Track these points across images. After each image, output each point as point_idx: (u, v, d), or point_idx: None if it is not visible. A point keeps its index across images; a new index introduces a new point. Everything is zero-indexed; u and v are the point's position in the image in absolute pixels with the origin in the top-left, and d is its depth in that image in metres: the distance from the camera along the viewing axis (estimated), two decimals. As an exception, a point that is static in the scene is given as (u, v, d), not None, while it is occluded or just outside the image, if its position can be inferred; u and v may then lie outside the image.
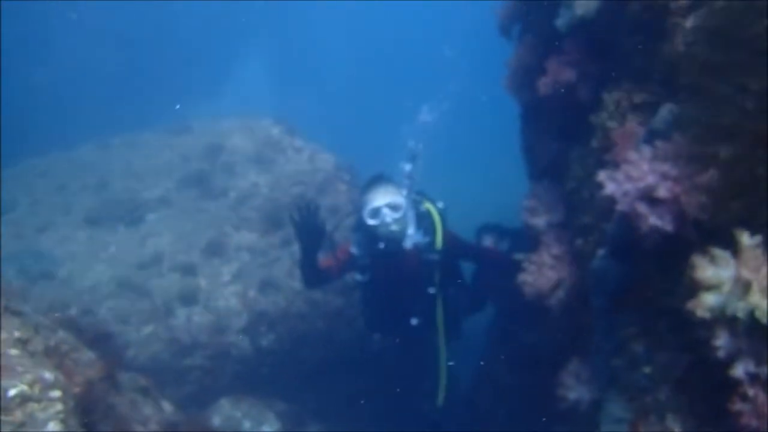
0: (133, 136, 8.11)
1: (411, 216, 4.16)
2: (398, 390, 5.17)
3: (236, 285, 5.87)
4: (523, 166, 3.96)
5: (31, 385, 2.00)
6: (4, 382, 1.97)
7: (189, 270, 5.88)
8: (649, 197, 1.84)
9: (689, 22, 2.02)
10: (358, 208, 4.40)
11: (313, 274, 4.43)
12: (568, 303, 2.80)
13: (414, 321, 4.30)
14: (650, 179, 1.83)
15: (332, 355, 5.84)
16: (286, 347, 5.68)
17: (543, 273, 2.82)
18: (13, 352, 2.32)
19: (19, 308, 3.01)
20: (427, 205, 4.39)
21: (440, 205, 4.52)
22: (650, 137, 2.03)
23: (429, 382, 4.58)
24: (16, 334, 2.56)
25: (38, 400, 1.95)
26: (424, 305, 4.31)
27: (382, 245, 4.05)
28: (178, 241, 6.18)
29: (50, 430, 1.93)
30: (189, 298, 5.64)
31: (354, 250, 4.33)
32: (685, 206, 1.73)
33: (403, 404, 5.38)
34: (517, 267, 4.33)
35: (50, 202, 6.70)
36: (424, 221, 4.23)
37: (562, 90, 2.76)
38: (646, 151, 1.89)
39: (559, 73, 2.72)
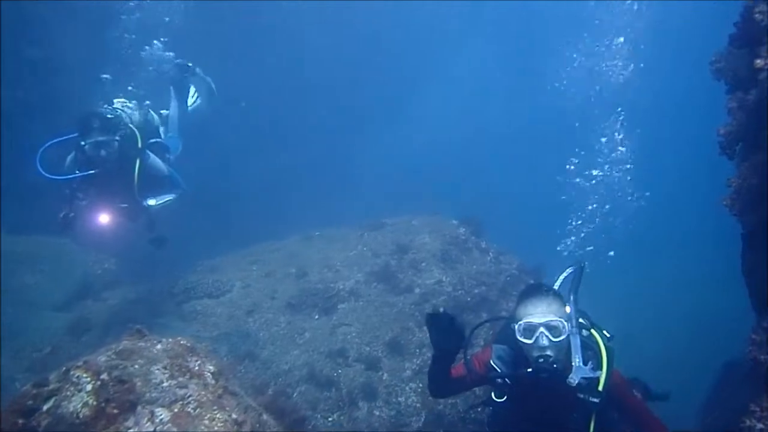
0: (332, 230, 8.86)
1: (576, 343, 3.45)
2: None
3: (416, 382, 5.92)
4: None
5: (247, 469, 2.18)
6: (226, 464, 2.18)
7: (373, 363, 6.08)
8: None
9: None
10: (510, 317, 3.74)
11: (441, 384, 3.87)
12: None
13: None
14: None
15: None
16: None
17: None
18: (232, 434, 2.56)
19: (235, 389, 3.35)
20: (593, 332, 3.69)
21: (608, 334, 3.82)
22: None
23: None
24: (233, 415, 2.84)
25: (252, 486, 2.11)
26: None
27: (530, 370, 3.41)
28: (365, 333, 6.46)
29: None
30: (371, 392, 5.79)
31: (495, 362, 3.69)
32: None
33: None
34: None
35: (259, 287, 7.48)
36: (586, 352, 3.50)
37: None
38: None
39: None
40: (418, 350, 6.23)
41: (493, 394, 3.68)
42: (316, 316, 6.83)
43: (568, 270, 4.14)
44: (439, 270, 7.29)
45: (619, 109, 8.74)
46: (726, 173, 3.37)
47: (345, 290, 7.13)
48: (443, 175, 19.01)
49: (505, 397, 3.60)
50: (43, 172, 5.82)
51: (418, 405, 5.73)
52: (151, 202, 6.41)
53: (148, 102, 7.18)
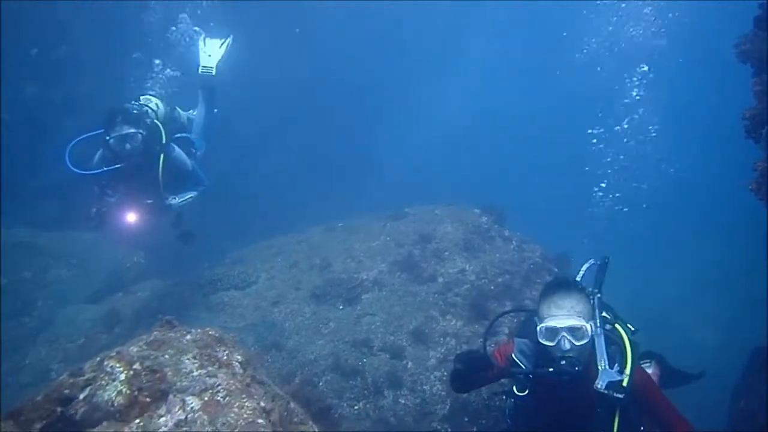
0: (354, 221, 8.92)
1: (601, 345, 3.33)
2: None
3: (441, 371, 5.97)
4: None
5: (276, 455, 2.24)
6: (255, 450, 2.25)
7: (397, 352, 6.14)
8: None
9: None
10: (533, 310, 3.68)
11: (464, 383, 3.88)
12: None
13: None
14: None
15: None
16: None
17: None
18: (260, 420, 2.63)
19: (263, 378, 3.42)
20: (617, 327, 3.63)
21: (632, 328, 3.76)
22: None
23: None
24: (261, 403, 2.90)
25: (281, 471, 2.17)
26: None
27: (551, 369, 3.37)
28: (389, 323, 6.51)
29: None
30: (396, 380, 5.85)
31: (517, 356, 3.64)
32: None
33: None
34: None
35: (284, 278, 7.57)
36: (610, 347, 3.43)
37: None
38: None
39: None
40: (442, 339, 6.26)
41: (514, 388, 3.64)
42: (341, 306, 6.90)
43: (590, 261, 4.10)
44: (462, 259, 7.30)
45: (645, 67, 8.70)
46: (752, 157, 3.33)
47: (369, 280, 7.19)
48: (464, 163, 18.96)
49: (527, 392, 3.56)
50: (72, 168, 5.92)
51: (443, 393, 5.77)
52: (173, 200, 6.45)
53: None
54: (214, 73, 7.43)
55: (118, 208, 6.27)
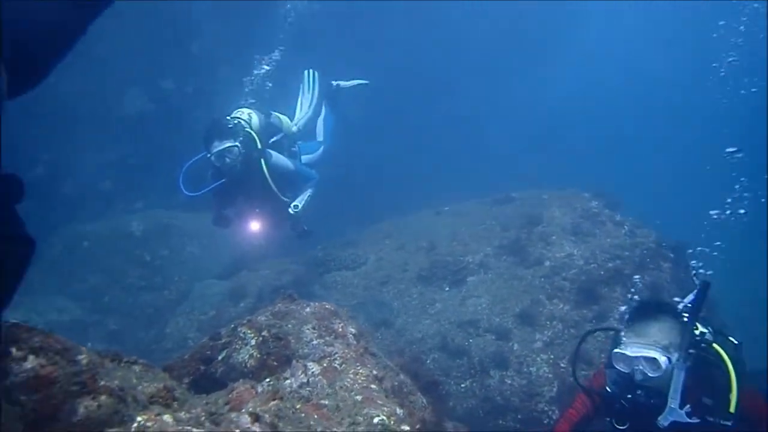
0: (460, 205, 9.03)
1: (678, 380, 3.09)
2: None
3: (548, 353, 5.99)
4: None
5: (389, 416, 2.48)
6: (370, 411, 2.51)
7: (503, 334, 6.22)
8: None
9: None
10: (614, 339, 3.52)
11: None
12: None
13: None
14: None
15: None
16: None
17: None
18: (374, 386, 2.89)
19: (374, 350, 3.70)
20: (716, 347, 3.29)
21: (735, 341, 3.46)
22: None
23: None
24: (374, 372, 3.17)
25: (393, 431, 2.41)
26: None
27: (629, 396, 3.27)
28: (495, 305, 6.60)
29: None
30: (502, 361, 5.95)
31: (611, 387, 3.47)
32: None
33: None
34: None
35: (391, 259, 7.87)
36: (706, 369, 3.19)
37: None
38: None
39: None
40: (548, 322, 6.26)
41: (614, 422, 3.48)
42: (447, 288, 7.08)
43: (699, 268, 3.90)
44: (570, 243, 7.20)
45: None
46: None
47: (474, 263, 7.29)
48: (578, 147, 18.29)
49: (627, 426, 3.41)
50: (186, 192, 6.19)
51: (549, 375, 5.79)
52: (295, 204, 6.47)
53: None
54: (333, 82, 7.80)
55: (241, 219, 6.55)
